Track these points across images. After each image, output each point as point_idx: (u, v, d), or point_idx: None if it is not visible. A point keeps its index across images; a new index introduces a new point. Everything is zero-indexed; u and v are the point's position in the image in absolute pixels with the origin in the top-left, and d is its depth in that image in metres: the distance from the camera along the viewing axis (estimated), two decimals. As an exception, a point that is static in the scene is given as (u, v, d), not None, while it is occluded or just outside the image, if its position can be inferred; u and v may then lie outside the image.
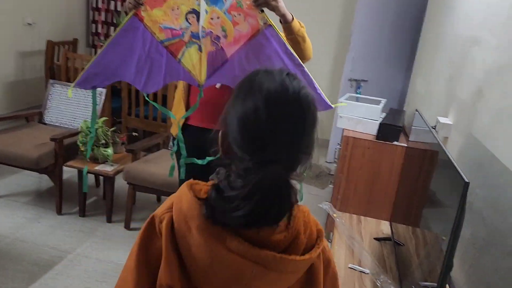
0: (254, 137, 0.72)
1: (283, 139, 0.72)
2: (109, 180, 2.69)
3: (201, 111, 1.90)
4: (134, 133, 3.00)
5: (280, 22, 1.61)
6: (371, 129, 2.92)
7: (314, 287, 0.80)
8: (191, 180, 0.80)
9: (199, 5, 1.53)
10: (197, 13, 1.55)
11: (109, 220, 2.80)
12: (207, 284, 0.75)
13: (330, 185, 3.76)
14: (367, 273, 1.69)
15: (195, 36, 1.57)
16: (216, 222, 0.72)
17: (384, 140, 2.69)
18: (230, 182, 0.73)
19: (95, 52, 5.51)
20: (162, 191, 2.59)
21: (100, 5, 5.38)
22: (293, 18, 1.60)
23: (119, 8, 5.30)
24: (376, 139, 2.74)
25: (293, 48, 1.54)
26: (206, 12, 1.55)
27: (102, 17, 5.42)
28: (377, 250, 1.87)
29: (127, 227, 2.74)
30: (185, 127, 1.97)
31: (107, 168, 2.68)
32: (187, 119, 1.95)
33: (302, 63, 1.53)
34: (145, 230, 0.79)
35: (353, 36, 4.36)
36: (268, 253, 0.72)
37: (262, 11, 1.50)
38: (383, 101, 3.24)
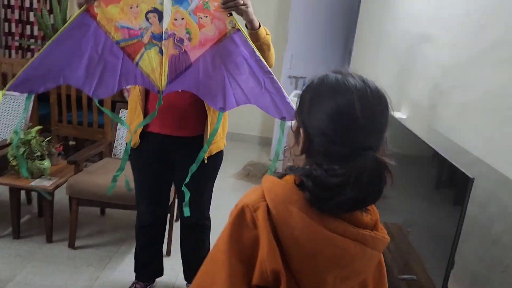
0: (349, 128, 0.79)
1: (374, 127, 0.80)
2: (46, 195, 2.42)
3: (162, 117, 1.76)
4: (71, 142, 2.73)
5: (247, 27, 1.52)
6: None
7: (382, 271, 0.91)
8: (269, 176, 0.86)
9: (161, 4, 1.40)
10: (159, 13, 1.42)
11: (49, 240, 2.51)
12: (310, 266, 0.79)
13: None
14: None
15: (156, 37, 1.44)
16: (316, 206, 0.78)
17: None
18: (328, 171, 0.77)
19: (9, 54, 5.00)
20: (112, 203, 2.38)
21: (12, 2, 4.88)
22: (260, 25, 1.53)
23: (35, 5, 4.85)
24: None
25: (260, 52, 1.46)
26: (170, 12, 1.42)
27: (16, 15, 4.92)
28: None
29: (72, 245, 2.48)
30: (144, 135, 1.82)
31: (45, 183, 2.40)
32: (146, 126, 1.79)
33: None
34: (235, 222, 0.80)
35: (290, 34, 4.38)
36: (365, 231, 0.80)
37: (231, 14, 1.40)
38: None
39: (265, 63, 1.44)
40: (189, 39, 1.43)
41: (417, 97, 2.05)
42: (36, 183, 2.41)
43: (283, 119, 1.47)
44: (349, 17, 4.56)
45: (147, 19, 1.43)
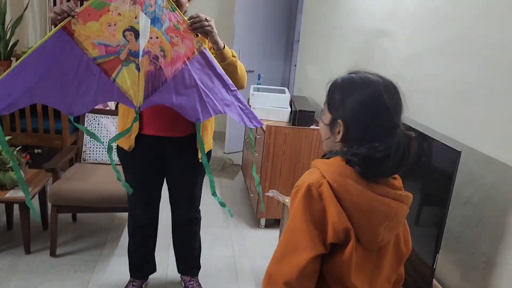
0: (380, 112, 1.01)
1: (396, 109, 1.02)
2: (23, 206, 2.37)
3: (156, 119, 1.84)
4: (37, 150, 2.66)
5: (213, 49, 1.66)
6: (282, 116, 3.15)
7: (406, 223, 1.14)
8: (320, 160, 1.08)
9: (138, 23, 1.48)
10: (135, 31, 1.49)
11: (28, 251, 2.46)
12: (366, 222, 1.00)
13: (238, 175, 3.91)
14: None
15: (133, 54, 1.51)
16: (365, 176, 1.00)
17: (301, 125, 2.93)
18: (370, 149, 0.98)
19: None
20: (94, 208, 2.39)
21: None
22: (224, 46, 1.66)
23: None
24: (293, 125, 2.97)
25: (227, 73, 1.61)
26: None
27: None
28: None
29: (54, 254, 2.45)
30: (139, 138, 1.89)
31: (21, 194, 2.36)
32: (140, 129, 1.86)
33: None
34: (304, 199, 0.99)
35: (236, 30, 4.51)
36: (401, 192, 1.04)
37: (197, 35, 1.54)
38: (286, 90, 3.49)
39: (230, 80, 1.58)
40: (164, 56, 1.52)
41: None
42: (11, 194, 2.35)
43: (255, 126, 1.61)
44: (289, 9, 4.80)
45: (125, 37, 1.50)
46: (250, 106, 3.16)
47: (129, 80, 1.51)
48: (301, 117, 2.96)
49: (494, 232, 1.44)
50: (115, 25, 1.48)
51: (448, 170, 1.32)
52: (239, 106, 1.60)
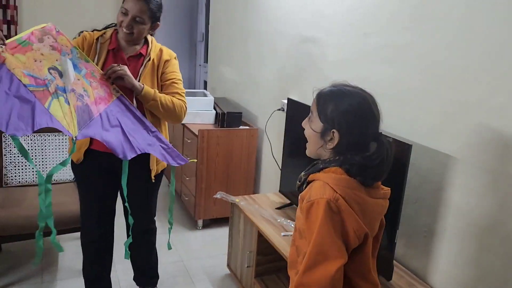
0: (369, 120, 1.16)
1: (379, 117, 1.17)
2: None
3: None
4: None
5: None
6: (208, 119, 3.25)
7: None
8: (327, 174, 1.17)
9: (60, 64, 1.58)
10: (58, 71, 1.58)
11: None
12: (369, 221, 1.16)
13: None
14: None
15: (60, 89, 1.57)
16: (364, 184, 1.15)
17: (230, 126, 3.07)
18: (364, 158, 1.14)
19: None
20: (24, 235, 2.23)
21: None
22: (143, 89, 1.77)
23: None
24: (221, 127, 3.09)
25: (154, 113, 1.80)
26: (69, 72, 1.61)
27: None
28: (286, 216, 2.28)
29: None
30: (89, 152, 1.87)
31: None
32: (90, 143, 1.84)
33: (156, 128, 1.78)
34: (325, 213, 1.10)
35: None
36: (385, 190, 1.24)
37: (113, 83, 1.68)
38: (207, 92, 3.59)
39: (149, 122, 1.75)
40: (88, 96, 1.62)
41: (307, 86, 2.55)
42: None
43: (178, 164, 1.77)
44: (190, 10, 4.87)
45: (50, 73, 1.57)
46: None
47: (61, 111, 1.54)
48: (229, 118, 3.09)
49: (431, 207, 1.78)
50: (40, 62, 1.56)
51: (402, 160, 1.60)
52: (161, 146, 1.76)
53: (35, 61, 1.55)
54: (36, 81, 1.51)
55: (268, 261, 2.26)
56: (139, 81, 1.85)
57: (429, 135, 1.77)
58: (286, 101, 2.70)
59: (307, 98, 2.37)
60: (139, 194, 2.02)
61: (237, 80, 3.61)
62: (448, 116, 1.68)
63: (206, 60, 5.21)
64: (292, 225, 2.16)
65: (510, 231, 1.47)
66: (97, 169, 1.91)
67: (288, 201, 2.40)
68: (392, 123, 1.91)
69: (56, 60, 1.61)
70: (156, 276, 2.28)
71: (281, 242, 2.02)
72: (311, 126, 1.22)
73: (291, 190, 2.38)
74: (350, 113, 1.14)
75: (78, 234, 2.12)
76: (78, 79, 1.62)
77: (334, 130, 1.15)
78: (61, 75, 1.59)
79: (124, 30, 1.78)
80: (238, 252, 2.44)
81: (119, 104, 1.70)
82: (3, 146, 2.58)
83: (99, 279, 2.14)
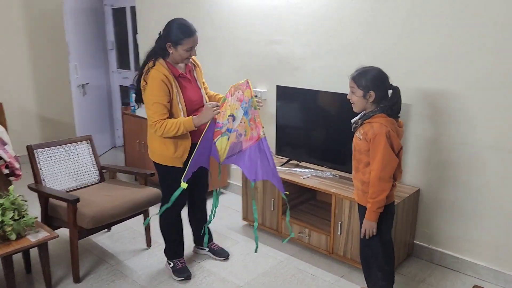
0: (386, 78, 2.12)
1: (387, 77, 2.15)
2: (44, 247, 2.42)
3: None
4: None
5: None
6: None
7: None
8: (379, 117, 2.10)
9: (236, 112, 2.35)
10: (233, 117, 2.36)
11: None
12: (399, 141, 2.11)
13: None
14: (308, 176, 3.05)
15: (228, 130, 2.39)
16: (397, 117, 2.14)
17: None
18: (394, 102, 2.10)
19: None
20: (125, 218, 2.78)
21: None
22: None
23: None
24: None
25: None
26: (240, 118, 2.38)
27: None
28: (293, 167, 3.20)
29: (77, 280, 2.60)
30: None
31: (42, 234, 2.38)
32: (194, 138, 2.50)
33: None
34: (386, 140, 2.02)
35: (70, 47, 4.61)
36: (402, 122, 2.20)
37: (263, 127, 2.32)
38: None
39: (272, 158, 2.32)
40: (245, 135, 2.37)
41: (277, 78, 3.48)
42: (34, 237, 2.36)
43: (281, 190, 2.32)
44: (96, 21, 5.17)
45: (228, 120, 2.36)
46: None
47: (222, 145, 2.38)
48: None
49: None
50: (225, 111, 2.34)
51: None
52: (276, 177, 2.32)
53: (223, 111, 2.33)
54: (216, 124, 2.35)
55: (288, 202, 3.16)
56: (199, 85, 2.57)
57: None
58: (258, 90, 3.58)
59: (281, 83, 3.31)
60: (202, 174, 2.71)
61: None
62: (400, 82, 2.85)
63: (119, 66, 5.57)
64: (303, 171, 3.10)
65: (441, 146, 2.72)
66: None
67: (286, 159, 3.33)
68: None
69: (236, 109, 2.31)
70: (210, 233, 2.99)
71: (306, 182, 2.96)
72: (356, 95, 2.14)
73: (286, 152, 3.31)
74: (375, 79, 2.09)
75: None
76: (243, 122, 2.31)
77: (370, 91, 2.09)
78: (233, 119, 2.33)
79: (189, 59, 2.49)
80: (258, 205, 3.25)
81: (262, 143, 2.29)
82: (37, 161, 2.84)
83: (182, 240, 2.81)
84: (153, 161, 2.59)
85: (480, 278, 2.70)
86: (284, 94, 3.26)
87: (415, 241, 2.97)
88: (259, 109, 2.32)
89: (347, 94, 2.88)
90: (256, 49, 3.63)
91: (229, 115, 2.33)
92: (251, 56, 3.69)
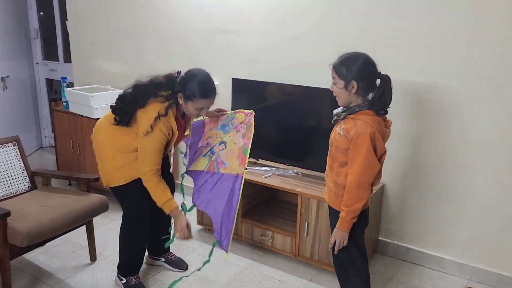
0: (375, 66, 1.84)
1: (374, 64, 1.85)
2: None
3: None
4: None
5: None
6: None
7: None
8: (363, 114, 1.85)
9: (228, 140, 2.40)
10: (224, 144, 2.41)
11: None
12: (384, 145, 1.85)
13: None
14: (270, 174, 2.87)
15: (211, 151, 2.42)
16: (385, 112, 1.87)
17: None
18: (380, 93, 1.81)
19: None
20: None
21: None
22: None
23: None
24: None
25: None
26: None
27: None
28: (254, 166, 3.00)
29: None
30: None
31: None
32: None
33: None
34: (369, 141, 1.77)
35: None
36: (390, 122, 1.94)
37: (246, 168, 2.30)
38: (109, 86, 3.75)
39: (235, 208, 2.26)
40: (227, 165, 2.35)
41: (235, 67, 3.24)
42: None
43: (220, 247, 2.24)
44: (18, 9, 4.60)
45: (217, 145, 2.42)
46: (92, 107, 3.37)
47: (200, 163, 2.43)
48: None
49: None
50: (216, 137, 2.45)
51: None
52: (222, 225, 2.23)
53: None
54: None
55: (247, 203, 2.95)
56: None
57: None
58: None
59: (239, 76, 3.09)
60: None
61: (129, 73, 3.90)
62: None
63: (45, 58, 4.99)
64: (264, 169, 2.91)
65: (405, 140, 2.66)
66: None
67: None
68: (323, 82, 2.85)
69: (229, 136, 2.36)
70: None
71: (268, 181, 2.76)
72: (337, 86, 1.87)
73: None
74: (358, 66, 1.81)
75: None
76: (232, 152, 2.32)
77: (352, 81, 1.81)
78: (224, 147, 2.36)
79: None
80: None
81: (237, 181, 2.25)
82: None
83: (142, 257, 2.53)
84: (111, 187, 2.32)
85: (445, 272, 2.68)
86: (240, 87, 3.04)
87: (379, 238, 2.90)
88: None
89: (308, 87, 2.83)
90: (207, 38, 3.36)
91: (221, 142, 2.37)
92: (201, 46, 3.41)
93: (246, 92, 3.03)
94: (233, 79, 3.05)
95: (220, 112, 2.44)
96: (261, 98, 2.99)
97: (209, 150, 2.38)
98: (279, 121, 2.96)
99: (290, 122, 2.90)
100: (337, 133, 1.92)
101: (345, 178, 1.89)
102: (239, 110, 2.40)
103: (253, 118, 2.32)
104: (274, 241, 2.79)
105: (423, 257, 2.76)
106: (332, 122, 1.99)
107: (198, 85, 2.12)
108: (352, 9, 2.69)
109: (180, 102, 2.16)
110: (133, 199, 2.31)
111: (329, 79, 2.76)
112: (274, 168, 2.95)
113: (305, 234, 2.64)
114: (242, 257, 2.81)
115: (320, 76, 2.84)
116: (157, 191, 2.19)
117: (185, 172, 2.45)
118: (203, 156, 2.40)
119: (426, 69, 2.52)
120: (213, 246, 2.26)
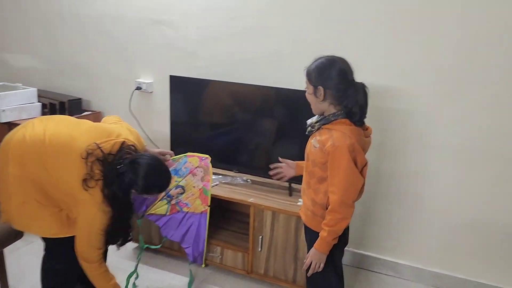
0: (350, 75, 1.65)
1: (352, 71, 1.67)
2: None
3: None
4: None
5: None
6: (35, 112, 3.03)
7: None
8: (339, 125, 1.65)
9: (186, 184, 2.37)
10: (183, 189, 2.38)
11: None
12: (364, 155, 1.68)
13: None
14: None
15: (168, 195, 2.36)
16: (362, 123, 1.68)
17: (71, 114, 2.97)
18: (353, 102, 1.60)
19: None
20: None
21: None
22: None
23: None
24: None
25: None
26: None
27: None
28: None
29: None
30: None
31: None
32: None
33: None
34: (349, 154, 1.58)
35: None
36: (370, 130, 1.74)
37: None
38: (19, 84, 3.19)
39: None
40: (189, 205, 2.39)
41: (171, 63, 2.88)
42: None
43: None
44: None
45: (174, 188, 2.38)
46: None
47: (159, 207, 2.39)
48: (71, 106, 2.99)
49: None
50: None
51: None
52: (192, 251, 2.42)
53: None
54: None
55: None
56: None
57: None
58: (142, 80, 2.97)
59: (178, 73, 2.74)
60: None
61: (43, 68, 3.35)
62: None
63: None
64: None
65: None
66: None
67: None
68: (275, 80, 2.60)
69: (185, 180, 2.34)
70: None
71: (216, 191, 2.47)
72: (308, 92, 1.70)
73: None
74: (327, 73, 1.63)
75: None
76: (192, 194, 2.35)
77: (319, 86, 1.65)
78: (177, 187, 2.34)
79: None
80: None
81: (200, 216, 2.38)
82: None
83: None
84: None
85: (403, 278, 2.59)
86: (179, 85, 2.69)
87: (333, 245, 2.75)
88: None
89: (254, 85, 2.56)
90: (136, 30, 2.95)
91: (177, 186, 2.34)
92: (129, 39, 2.99)
93: (186, 91, 2.69)
94: (171, 76, 2.69)
95: (164, 155, 2.10)
96: (202, 97, 2.67)
97: (165, 194, 2.31)
98: (224, 123, 2.67)
99: (236, 124, 2.62)
100: (313, 145, 1.70)
101: (324, 196, 1.69)
102: (190, 154, 2.32)
103: (209, 162, 2.31)
104: (223, 257, 2.51)
105: (378, 263, 2.64)
106: (306, 133, 1.77)
107: (151, 178, 1.69)
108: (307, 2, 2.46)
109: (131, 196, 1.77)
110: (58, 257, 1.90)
111: (279, 75, 2.60)
112: (220, 176, 2.65)
113: (259, 249, 2.39)
114: (186, 277, 2.49)
115: (268, 73, 2.63)
116: (101, 283, 1.81)
117: (142, 216, 2.34)
118: (160, 200, 2.33)
119: (379, 72, 2.38)
120: (190, 274, 2.38)
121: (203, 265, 2.42)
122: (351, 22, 2.38)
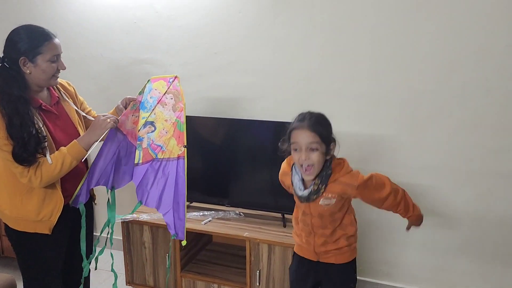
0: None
1: None
2: None
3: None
4: None
5: None
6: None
7: None
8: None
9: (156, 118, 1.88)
10: (154, 126, 1.88)
11: None
12: None
13: None
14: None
15: (139, 139, 1.88)
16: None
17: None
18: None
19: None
20: None
21: None
22: None
23: None
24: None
25: None
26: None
27: None
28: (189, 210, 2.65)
29: None
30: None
31: None
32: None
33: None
34: (367, 178, 1.69)
35: None
36: None
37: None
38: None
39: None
40: (164, 148, 1.86)
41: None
42: None
43: (177, 237, 1.82)
44: None
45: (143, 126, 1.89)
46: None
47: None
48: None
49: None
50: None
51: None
52: (175, 215, 1.83)
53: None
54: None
55: (184, 255, 2.59)
56: (73, 121, 1.92)
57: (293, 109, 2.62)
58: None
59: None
60: None
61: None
62: (309, 106, 2.58)
63: None
64: (201, 214, 2.58)
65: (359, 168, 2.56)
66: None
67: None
68: (259, 112, 2.64)
69: (154, 114, 1.84)
70: None
71: (210, 228, 2.44)
72: (320, 151, 1.60)
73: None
74: (329, 125, 1.67)
75: None
76: (166, 131, 1.84)
77: (332, 143, 1.64)
78: (146, 125, 1.86)
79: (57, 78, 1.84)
80: (146, 263, 2.60)
81: (177, 163, 1.81)
82: None
83: None
84: (5, 223, 1.81)
85: (400, 301, 2.61)
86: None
87: (330, 273, 2.74)
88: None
89: (241, 120, 2.58)
90: (120, 70, 2.96)
91: (145, 124, 1.86)
92: (113, 78, 3.00)
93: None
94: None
95: (130, 99, 1.90)
96: (188, 133, 2.66)
97: (137, 139, 1.87)
98: (212, 158, 2.67)
99: (223, 157, 2.62)
100: (324, 205, 1.68)
101: (350, 223, 1.78)
102: (154, 77, 1.84)
103: (178, 82, 1.79)
104: (221, 294, 2.47)
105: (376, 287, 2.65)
106: (307, 201, 1.70)
107: (30, 32, 1.68)
108: (285, 34, 2.53)
109: (28, 70, 1.66)
110: (27, 258, 1.83)
111: (263, 109, 2.64)
112: (213, 212, 2.63)
113: (257, 284, 2.36)
114: None
115: (253, 106, 2.66)
116: (50, 167, 1.64)
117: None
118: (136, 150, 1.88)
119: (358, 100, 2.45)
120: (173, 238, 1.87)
121: (184, 242, 1.83)
122: (334, 54, 2.45)
